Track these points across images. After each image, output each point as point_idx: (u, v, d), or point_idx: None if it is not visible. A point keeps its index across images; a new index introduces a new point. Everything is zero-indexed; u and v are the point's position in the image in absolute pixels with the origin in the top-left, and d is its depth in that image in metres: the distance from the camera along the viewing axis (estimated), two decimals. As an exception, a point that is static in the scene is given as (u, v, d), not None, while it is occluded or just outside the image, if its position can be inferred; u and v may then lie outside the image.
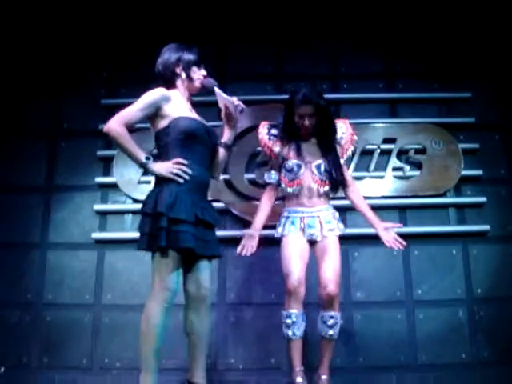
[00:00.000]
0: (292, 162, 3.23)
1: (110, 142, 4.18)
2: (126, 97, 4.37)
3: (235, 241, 3.99)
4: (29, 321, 4.08)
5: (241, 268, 4.12)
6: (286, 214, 3.28)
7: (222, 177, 4.10)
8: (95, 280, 4.13)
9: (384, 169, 4.25)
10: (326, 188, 3.21)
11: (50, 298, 4.12)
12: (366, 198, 4.07)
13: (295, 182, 3.21)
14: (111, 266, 4.14)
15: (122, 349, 3.90)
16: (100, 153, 4.33)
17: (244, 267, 4.11)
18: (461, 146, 4.30)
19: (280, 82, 4.57)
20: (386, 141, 4.30)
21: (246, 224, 4.05)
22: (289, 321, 3.04)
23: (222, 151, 2.97)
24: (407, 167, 4.24)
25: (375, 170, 4.26)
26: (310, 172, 3.20)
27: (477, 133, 4.41)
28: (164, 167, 2.66)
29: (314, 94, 3.19)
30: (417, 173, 4.25)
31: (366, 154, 4.28)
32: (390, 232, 3.19)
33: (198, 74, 2.91)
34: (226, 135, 2.97)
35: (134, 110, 2.72)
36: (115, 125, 2.66)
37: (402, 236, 4.04)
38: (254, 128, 3.99)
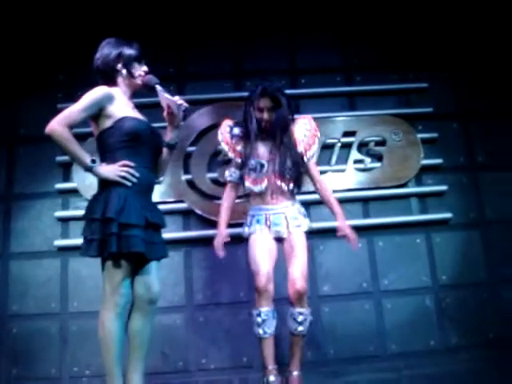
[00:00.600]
0: (255, 160, 3.20)
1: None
2: (82, 100, 4.32)
3: (200, 241, 4.03)
4: (-5, 333, 4.00)
5: (207, 268, 4.09)
6: (251, 212, 3.26)
7: (183, 176, 4.13)
8: (60, 288, 4.07)
9: (345, 162, 4.28)
10: (290, 185, 3.19)
11: (15, 309, 4.04)
12: (329, 191, 4.15)
13: (259, 181, 3.18)
14: (76, 273, 4.07)
15: (91, 356, 3.81)
16: (59, 158, 4.23)
17: (210, 267, 4.08)
18: (420, 135, 4.36)
19: (239, 79, 4.55)
20: (346, 134, 4.33)
21: (210, 223, 4.06)
22: (259, 319, 3.01)
23: (165, 151, 2.85)
24: (368, 159, 4.28)
25: (336, 163, 4.28)
26: (273, 170, 3.17)
27: (435, 122, 4.48)
28: (111, 170, 2.57)
29: (273, 88, 3.18)
30: (378, 164, 4.29)
31: (327, 147, 4.30)
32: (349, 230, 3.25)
33: (140, 70, 2.78)
34: (169, 135, 2.82)
35: (77, 109, 2.61)
36: (58, 126, 2.56)
37: (366, 228, 4.15)
38: (214, 126, 4.00)
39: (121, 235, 2.48)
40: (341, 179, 4.26)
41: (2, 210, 4.27)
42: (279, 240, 3.19)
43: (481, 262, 4.21)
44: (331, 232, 4.01)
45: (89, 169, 2.58)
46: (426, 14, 4.72)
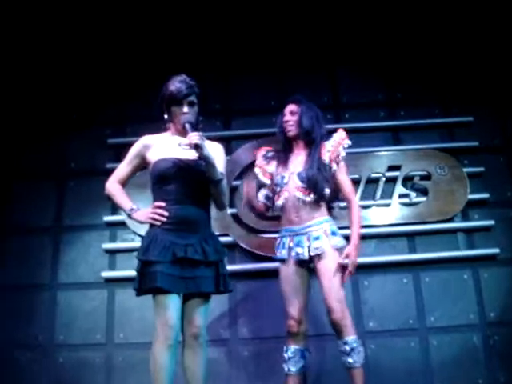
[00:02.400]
0: (279, 175, 3.19)
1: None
2: (132, 135, 4.43)
3: (245, 275, 4.04)
4: (41, 362, 4.05)
5: (251, 301, 4.09)
6: (279, 234, 3.20)
7: (228, 210, 4.10)
8: (106, 319, 4.11)
9: (390, 196, 4.26)
10: (312, 197, 3.04)
11: (62, 339, 4.10)
12: (374, 226, 4.13)
13: (279, 194, 3.14)
14: (122, 304, 4.12)
15: (137, 387, 3.87)
16: (107, 192, 4.35)
17: (255, 300, 4.08)
18: (466, 170, 4.32)
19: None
20: (390, 168, 4.33)
21: (256, 257, 4.09)
22: (285, 356, 3.04)
23: (211, 185, 2.81)
24: (413, 194, 4.25)
25: (381, 197, 4.26)
26: (293, 181, 3.10)
27: (481, 156, 4.43)
28: (143, 214, 2.78)
29: (298, 96, 3.27)
30: (423, 199, 4.26)
31: (372, 182, 4.29)
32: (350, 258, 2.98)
33: (180, 112, 2.81)
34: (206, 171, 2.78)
35: (123, 165, 2.95)
36: (108, 183, 2.94)
37: (412, 263, 4.10)
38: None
39: (144, 272, 2.63)
40: (386, 214, 4.23)
41: (51, 241, 4.37)
42: (310, 262, 3.05)
43: (529, 298, 4.10)
44: (376, 267, 4.07)
45: (128, 216, 2.86)
46: (470, 47, 4.73)
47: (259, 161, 3.34)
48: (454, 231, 4.25)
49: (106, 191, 2.95)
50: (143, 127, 4.25)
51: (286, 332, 3.06)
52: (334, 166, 3.11)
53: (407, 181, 4.32)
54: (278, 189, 3.16)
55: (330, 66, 4.77)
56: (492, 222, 4.22)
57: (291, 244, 3.06)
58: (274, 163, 3.27)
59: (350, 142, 3.20)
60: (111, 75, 4.78)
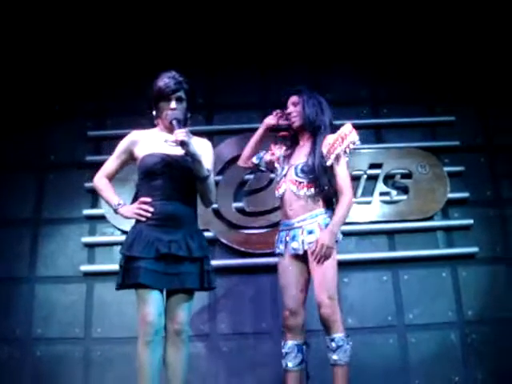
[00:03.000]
0: (279, 166, 3.22)
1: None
2: (112, 128, 4.42)
3: (225, 270, 4.03)
4: (18, 356, 4.02)
5: (231, 297, 4.08)
6: (279, 228, 3.18)
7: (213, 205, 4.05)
8: (85, 313, 4.08)
9: (371, 194, 4.27)
10: (305, 191, 3.00)
11: (40, 333, 4.07)
12: (354, 223, 4.14)
13: (278, 186, 3.15)
14: (100, 298, 4.09)
15: (115, 382, 3.84)
16: (87, 185, 4.27)
17: (235, 296, 4.08)
18: (446, 169, 4.35)
19: (265, 109, 4.57)
20: (372, 166, 4.34)
21: (236, 253, 4.08)
22: (283, 351, 3.02)
23: (197, 182, 2.80)
24: (394, 192, 4.27)
25: (362, 195, 4.27)
26: (290, 174, 3.08)
27: (462, 156, 4.46)
28: (129, 209, 2.78)
29: (301, 87, 3.24)
30: (404, 197, 4.28)
31: (353, 179, 4.21)
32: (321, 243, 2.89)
33: (167, 108, 2.82)
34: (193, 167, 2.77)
35: (111, 159, 2.94)
36: (96, 178, 2.94)
37: (391, 261, 4.12)
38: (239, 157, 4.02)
39: (128, 267, 2.63)
40: (366, 211, 4.24)
41: (30, 234, 4.32)
42: (304, 256, 2.99)
43: (507, 296, 4.13)
44: (356, 264, 4.08)
45: (115, 211, 2.86)
46: (453, 47, 4.76)
47: (273, 144, 3.39)
48: (433, 230, 4.27)
49: (93, 185, 2.98)
50: (124, 120, 4.30)
51: (281, 326, 3.06)
52: (329, 161, 3.00)
53: (388, 179, 4.34)
54: (278, 179, 3.18)
55: (313, 63, 4.76)
56: (471, 221, 4.25)
57: (287, 238, 3.04)
58: (282, 150, 3.29)
59: (357, 138, 3.06)
60: (94, 67, 4.72)
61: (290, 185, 3.04)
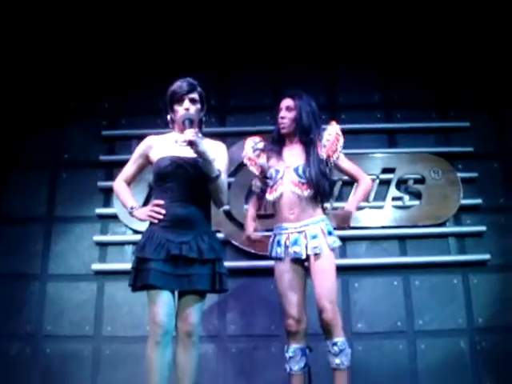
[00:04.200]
0: (272, 169, 3.12)
1: (110, 172, 4.27)
2: (126, 128, 4.44)
3: (236, 272, 4.03)
4: (29, 352, 4.06)
5: (241, 299, 4.09)
6: (274, 231, 3.13)
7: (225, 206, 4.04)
8: (95, 312, 4.11)
9: (383, 199, 4.26)
10: (309, 191, 2.99)
11: (50, 330, 4.10)
12: (366, 228, 4.14)
13: (274, 188, 3.06)
14: (111, 297, 4.12)
15: (123, 381, 3.86)
16: (100, 184, 4.34)
17: (245, 298, 4.09)
18: (459, 175, 4.32)
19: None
20: (385, 171, 4.32)
21: (247, 254, 4.08)
22: (287, 355, 3.01)
23: (208, 182, 2.78)
24: (406, 197, 4.25)
25: (375, 199, 4.25)
26: (289, 176, 3.03)
27: (475, 162, 4.43)
28: (142, 212, 2.84)
29: (295, 91, 3.19)
30: (416, 202, 4.26)
31: (366, 184, 4.28)
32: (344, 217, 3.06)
33: (180, 110, 2.86)
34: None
35: (129, 164, 3.02)
36: (115, 182, 3.03)
37: (402, 266, 4.11)
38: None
39: (139, 269, 2.66)
40: (378, 216, 4.23)
41: (43, 231, 4.35)
42: (305, 261, 3.00)
43: (518, 304, 4.11)
44: (367, 269, 4.07)
45: (130, 214, 2.92)
46: (469, 52, 4.72)
47: (249, 151, 3.27)
48: (445, 236, 4.24)
49: (113, 189, 3.06)
50: (138, 120, 4.32)
51: (285, 332, 3.03)
52: (332, 159, 3.07)
53: (401, 184, 4.32)
54: (271, 183, 3.09)
55: (328, 66, 4.75)
56: (484, 228, 4.23)
57: (287, 242, 3.00)
58: (264, 156, 3.20)
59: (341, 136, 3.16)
60: (109, 67, 4.76)
61: (291, 186, 3.01)
